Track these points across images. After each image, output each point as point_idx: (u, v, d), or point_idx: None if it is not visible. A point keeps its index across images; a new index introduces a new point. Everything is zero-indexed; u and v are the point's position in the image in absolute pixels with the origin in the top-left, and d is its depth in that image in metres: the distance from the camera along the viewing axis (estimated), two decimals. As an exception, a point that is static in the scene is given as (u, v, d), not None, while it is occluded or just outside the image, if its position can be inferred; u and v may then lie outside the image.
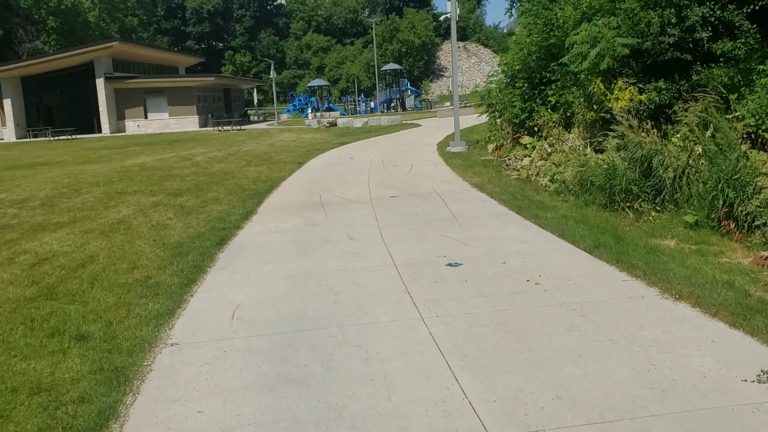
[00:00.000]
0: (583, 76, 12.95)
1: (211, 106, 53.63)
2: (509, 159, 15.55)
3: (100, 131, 48.81)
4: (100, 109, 48.35)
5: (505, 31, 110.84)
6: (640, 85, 11.85)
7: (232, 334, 5.25)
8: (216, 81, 52.32)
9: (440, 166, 16.47)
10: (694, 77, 11.54)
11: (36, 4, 66.68)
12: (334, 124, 40.58)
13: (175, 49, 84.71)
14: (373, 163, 18.47)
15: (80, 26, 70.63)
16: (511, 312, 5.28)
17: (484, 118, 20.76)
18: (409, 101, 66.51)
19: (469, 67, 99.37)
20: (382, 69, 67.72)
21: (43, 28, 68.64)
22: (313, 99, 63.98)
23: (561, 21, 15.00)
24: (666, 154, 9.79)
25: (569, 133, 13.94)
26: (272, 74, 50.64)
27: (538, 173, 13.36)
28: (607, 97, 12.05)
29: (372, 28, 76.79)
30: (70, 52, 48.66)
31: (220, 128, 44.07)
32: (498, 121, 18.38)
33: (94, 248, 8.91)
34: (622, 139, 10.64)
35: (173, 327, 5.52)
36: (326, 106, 64.11)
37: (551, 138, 14.36)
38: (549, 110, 14.84)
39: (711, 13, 11.22)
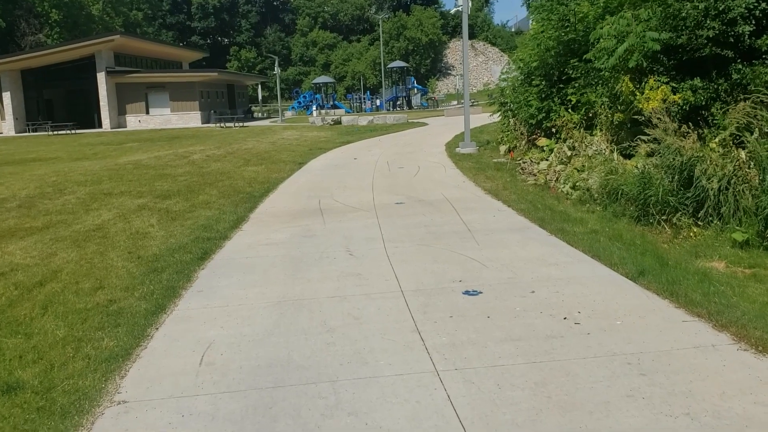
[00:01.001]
0: (608, 74, 11.83)
1: (214, 102, 52.61)
2: (524, 162, 14.44)
3: (100, 126, 47.85)
4: (101, 103, 47.36)
5: (513, 29, 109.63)
6: (673, 84, 10.71)
7: (196, 388, 4.16)
8: (219, 77, 51.29)
9: (450, 169, 15.36)
10: (734, 76, 10.39)
11: (39, -3, 65.79)
12: (338, 122, 39.49)
13: (181, 44, 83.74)
14: (377, 164, 17.38)
15: (84, 19, 69.66)
16: (549, 366, 4.17)
17: (495, 117, 19.66)
18: (416, 99, 65.37)
19: (477, 66, 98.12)
20: (389, 66, 66.60)
21: (46, 21, 67.67)
22: (318, 96, 62.90)
23: (579, 16, 13.88)
24: (709, 162, 8.65)
25: (591, 135, 12.81)
26: (276, 70, 49.56)
27: (557, 179, 12.24)
28: (636, 97, 10.91)
29: (379, 25, 75.64)
30: (70, 45, 47.69)
31: (222, 125, 43.04)
32: (511, 121, 17.26)
33: (60, 261, 7.83)
34: (657, 143, 9.51)
35: (126, 375, 4.43)
36: (331, 103, 63.07)
37: (571, 140, 13.23)
38: (569, 110, 13.71)
39: (756, 5, 10.07)
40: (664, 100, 10.43)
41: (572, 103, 13.32)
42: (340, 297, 5.91)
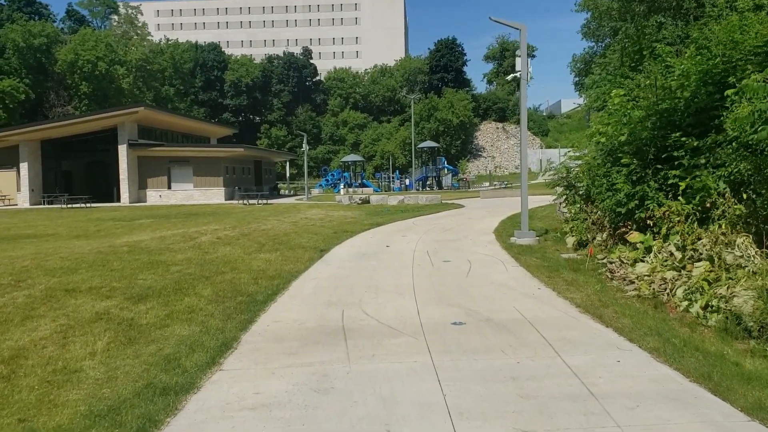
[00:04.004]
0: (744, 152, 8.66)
1: (240, 178, 50.56)
2: (611, 263, 11.09)
3: (119, 200, 45.83)
4: (121, 176, 45.48)
5: (544, 113, 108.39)
6: None
7: None
8: (246, 152, 49.37)
9: (511, 267, 12.05)
10: None
11: (70, 69, 65.95)
12: (366, 201, 36.71)
13: (213, 120, 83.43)
14: (415, 255, 14.18)
15: (113, 92, 69.63)
16: None
17: (540, 200, 16.49)
18: (446, 180, 62.95)
19: (508, 149, 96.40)
20: (419, 146, 64.69)
21: (76, 94, 67.68)
22: (346, 174, 60.81)
23: (680, 81, 10.89)
24: None
25: (708, 231, 9.49)
26: (305, 147, 47.55)
27: (671, 291, 8.87)
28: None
29: (410, 106, 74.42)
30: (93, 116, 46.44)
31: (245, 201, 40.62)
32: (583, 208, 14.08)
33: None
34: None
35: None
36: (359, 181, 60.89)
37: (678, 237, 9.92)
38: (675, 197, 10.49)
39: None
40: None
41: (681, 188, 10.07)
42: None
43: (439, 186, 60.84)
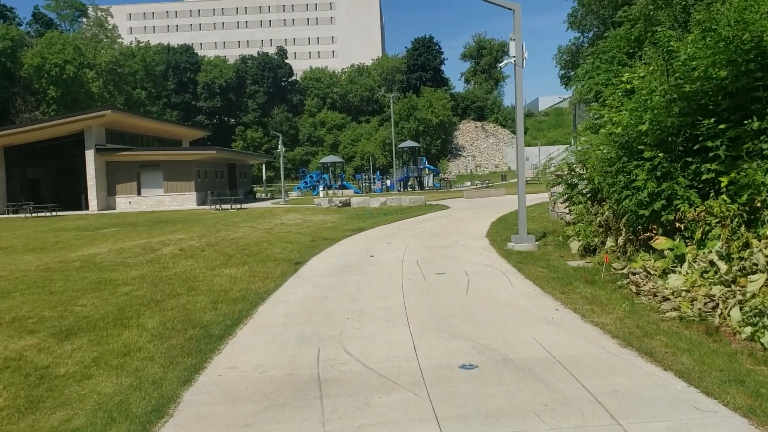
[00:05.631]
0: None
1: (213, 182, 48.41)
2: (634, 273, 9.44)
3: (87, 208, 43.46)
4: (88, 183, 43.08)
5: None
6: None
7: None
8: (218, 155, 47.18)
9: (516, 279, 10.35)
10: None
11: (37, 74, 63.21)
12: (347, 204, 34.91)
13: (186, 123, 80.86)
14: (404, 266, 12.44)
15: (83, 97, 66.95)
16: None
17: (538, 198, 14.87)
18: (428, 180, 61.38)
19: (488, 147, 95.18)
20: (400, 146, 63.03)
21: (44, 99, 64.91)
22: (325, 176, 58.95)
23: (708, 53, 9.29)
24: None
25: (757, 236, 7.89)
26: (280, 148, 45.55)
27: (723, 311, 7.22)
28: None
29: (389, 106, 72.72)
30: (58, 121, 43.93)
31: (218, 207, 38.61)
32: (589, 208, 12.47)
33: None
34: None
35: None
36: (339, 183, 59.09)
37: (720, 244, 8.30)
38: (710, 196, 8.88)
39: None
40: None
41: (723, 184, 8.44)
42: None
43: (421, 186, 59.26)
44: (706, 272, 8.22)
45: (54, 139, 43.40)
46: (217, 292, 10.45)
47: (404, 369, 5.84)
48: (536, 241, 14.19)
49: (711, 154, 8.87)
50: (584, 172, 13.05)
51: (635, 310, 7.84)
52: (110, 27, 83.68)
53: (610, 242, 11.57)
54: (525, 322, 7.35)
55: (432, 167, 65.58)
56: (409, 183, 59.43)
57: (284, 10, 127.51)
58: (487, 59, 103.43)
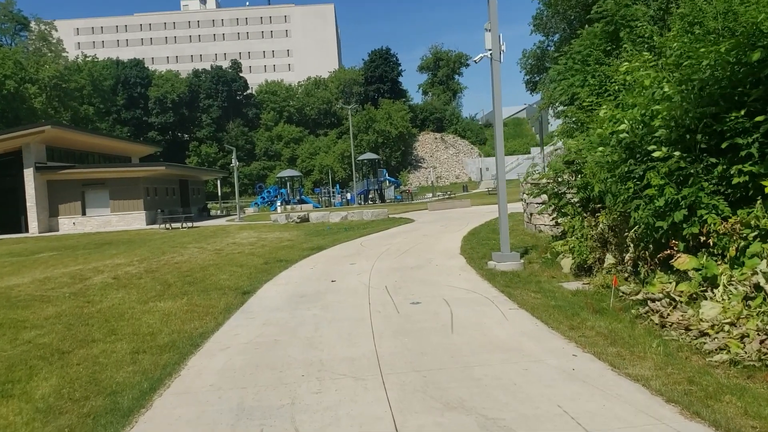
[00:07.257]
0: None
1: (164, 200, 45.76)
2: (653, 299, 7.80)
3: (27, 230, 40.35)
4: (28, 204, 39.99)
5: (481, 122, 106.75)
6: None
7: None
8: (168, 171, 44.60)
9: (508, 310, 8.62)
10: None
11: (-28, 89, 59.65)
12: (306, 219, 32.90)
13: (138, 139, 77.51)
14: (372, 294, 10.60)
15: (25, 113, 63.40)
16: None
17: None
18: (389, 192, 59.70)
19: (447, 158, 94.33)
20: (359, 159, 61.30)
21: (-19, 115, 61.28)
22: (283, 191, 56.70)
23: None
24: None
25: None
26: (234, 162, 43.25)
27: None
28: None
29: (348, 118, 71.04)
30: (-10, 138, 40.85)
31: (168, 226, 36.12)
32: (583, 221, 10.86)
33: None
34: None
35: None
36: (298, 198, 56.91)
37: (764, 263, 6.73)
38: (741, 204, 7.32)
39: None
40: None
41: (765, 190, 6.88)
42: None
43: (382, 199, 57.55)
44: (751, 298, 6.63)
45: (-12, 158, 40.29)
46: (142, 335, 8.43)
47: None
48: (520, 258, 12.53)
49: (743, 153, 7.32)
50: (574, 179, 11.46)
51: (671, 352, 6.17)
52: (54, 41, 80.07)
53: (609, 259, 9.96)
54: (539, 379, 5.59)
55: (393, 179, 64.03)
56: (370, 196, 57.69)
57: (238, 23, 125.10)
58: (444, 71, 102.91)
